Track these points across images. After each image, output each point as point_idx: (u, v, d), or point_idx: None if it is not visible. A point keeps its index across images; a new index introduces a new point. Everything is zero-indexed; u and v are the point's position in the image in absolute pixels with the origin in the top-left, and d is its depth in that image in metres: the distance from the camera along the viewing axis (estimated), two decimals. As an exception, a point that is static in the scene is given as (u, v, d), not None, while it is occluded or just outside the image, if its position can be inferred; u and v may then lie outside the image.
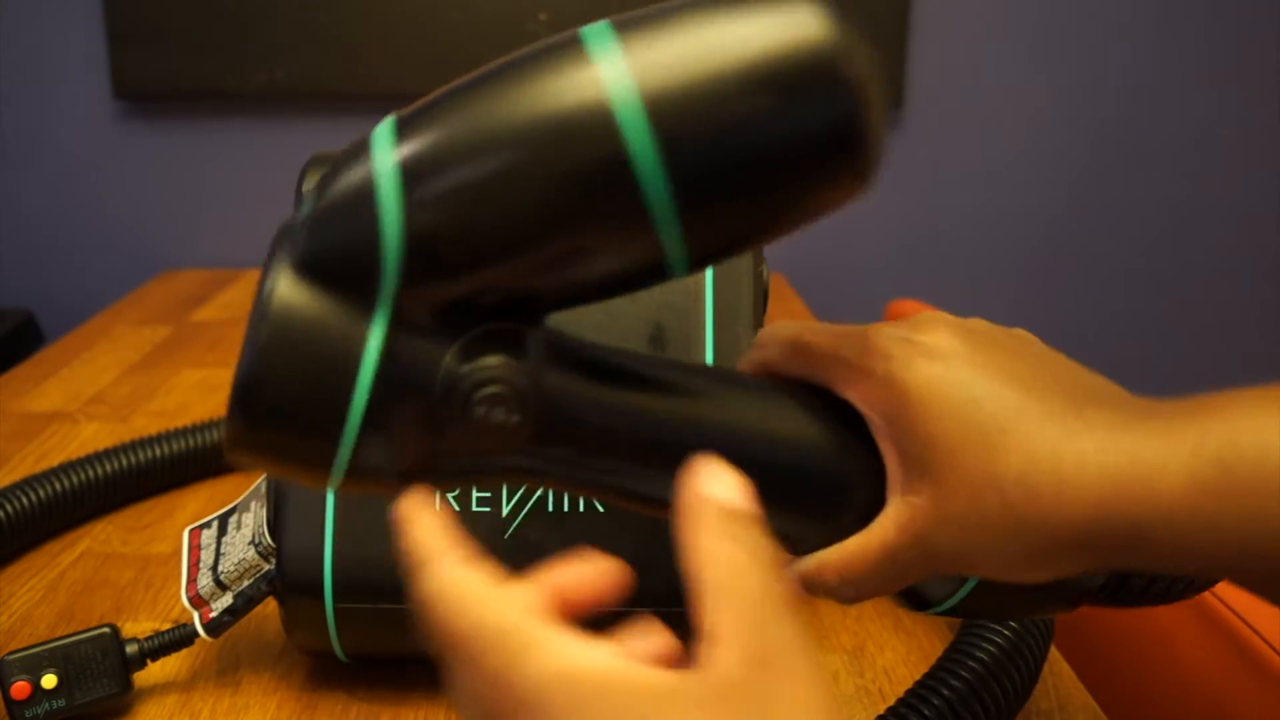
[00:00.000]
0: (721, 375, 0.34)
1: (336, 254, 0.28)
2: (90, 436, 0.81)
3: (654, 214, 0.26)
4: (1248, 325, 1.54)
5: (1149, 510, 0.29)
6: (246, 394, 0.27)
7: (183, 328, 1.11)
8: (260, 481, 0.52)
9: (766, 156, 0.27)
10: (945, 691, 0.42)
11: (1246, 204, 1.49)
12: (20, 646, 0.47)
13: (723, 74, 0.26)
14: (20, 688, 0.46)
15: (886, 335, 0.33)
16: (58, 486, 0.65)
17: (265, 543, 0.47)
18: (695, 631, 0.25)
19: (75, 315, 1.25)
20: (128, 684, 0.48)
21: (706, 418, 0.32)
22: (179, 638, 0.48)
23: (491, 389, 0.28)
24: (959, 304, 1.49)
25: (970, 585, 0.34)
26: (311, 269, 0.28)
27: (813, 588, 0.34)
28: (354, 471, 0.29)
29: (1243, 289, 1.53)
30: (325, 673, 0.52)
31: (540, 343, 0.29)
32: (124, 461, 0.69)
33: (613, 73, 0.26)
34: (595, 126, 0.26)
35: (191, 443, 0.72)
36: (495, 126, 0.27)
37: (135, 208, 1.44)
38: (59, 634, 0.48)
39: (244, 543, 0.49)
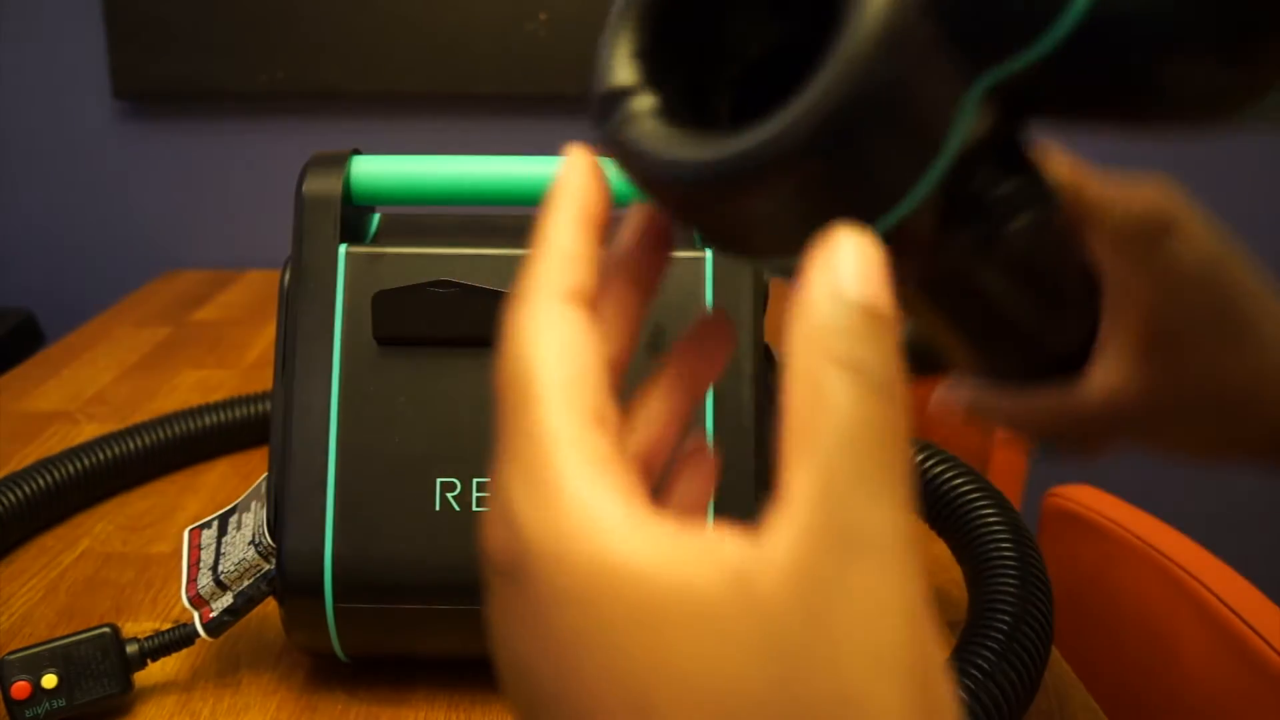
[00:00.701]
0: None
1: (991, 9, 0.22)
2: (90, 436, 0.81)
3: None
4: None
5: None
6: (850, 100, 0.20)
7: (183, 328, 1.11)
8: (260, 482, 0.52)
9: None
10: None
11: (1248, 203, 1.49)
12: (20, 646, 0.47)
13: None
14: (20, 687, 0.46)
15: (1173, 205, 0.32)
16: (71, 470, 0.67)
17: (265, 543, 0.47)
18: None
19: (75, 315, 1.25)
20: (128, 684, 0.48)
21: None
22: (179, 638, 0.48)
23: (1025, 217, 0.25)
24: (959, 304, 1.48)
25: None
26: (943, 13, 0.21)
27: (983, 414, 0.34)
28: (891, 237, 0.22)
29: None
30: (325, 673, 0.52)
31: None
32: (133, 444, 0.71)
33: None
34: None
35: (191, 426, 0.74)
36: None
37: (135, 207, 1.44)
38: (59, 634, 0.48)
39: (244, 543, 0.49)
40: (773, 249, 0.23)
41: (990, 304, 0.30)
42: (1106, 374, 0.33)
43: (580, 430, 0.19)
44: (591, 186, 0.23)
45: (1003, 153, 0.25)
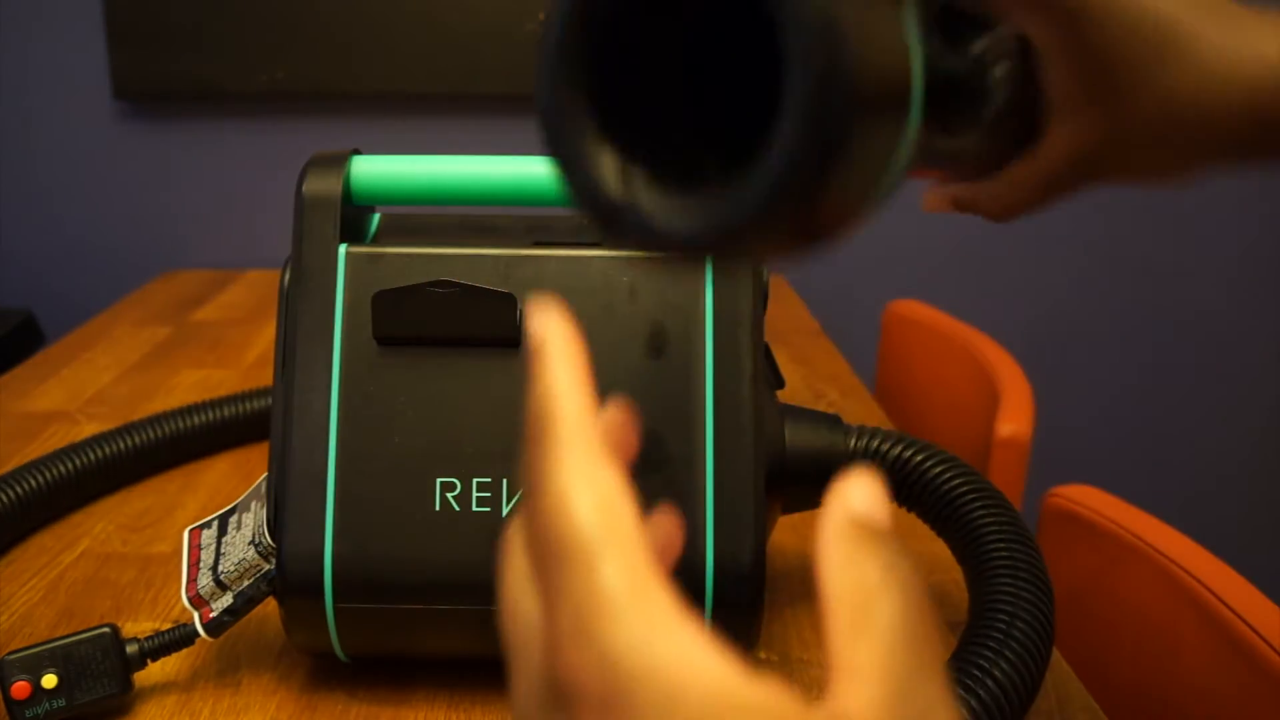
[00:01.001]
0: None
1: None
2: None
3: None
4: (1250, 324, 1.54)
5: None
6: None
7: (183, 328, 1.11)
8: (260, 482, 0.52)
9: None
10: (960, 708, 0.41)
11: (1249, 202, 1.49)
12: (20, 646, 0.47)
13: None
14: (20, 687, 0.46)
15: None
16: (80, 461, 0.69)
17: (265, 543, 0.47)
18: (828, 660, 0.21)
19: (75, 315, 1.25)
20: (128, 684, 0.48)
21: None
22: (179, 638, 0.48)
23: (999, 69, 0.28)
24: (959, 304, 1.50)
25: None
26: None
27: (964, 206, 0.39)
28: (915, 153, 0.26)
29: (1245, 287, 1.53)
30: (325, 673, 0.52)
31: None
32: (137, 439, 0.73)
33: None
34: None
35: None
36: None
37: (135, 208, 1.44)
38: (59, 634, 0.48)
39: (244, 543, 0.49)
40: (787, 252, 0.26)
41: (976, 139, 0.36)
42: (1062, 129, 0.36)
43: (651, 584, 0.21)
44: (574, 339, 0.25)
45: (951, 34, 0.27)
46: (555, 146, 0.26)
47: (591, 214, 0.26)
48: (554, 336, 0.24)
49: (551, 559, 0.21)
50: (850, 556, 0.21)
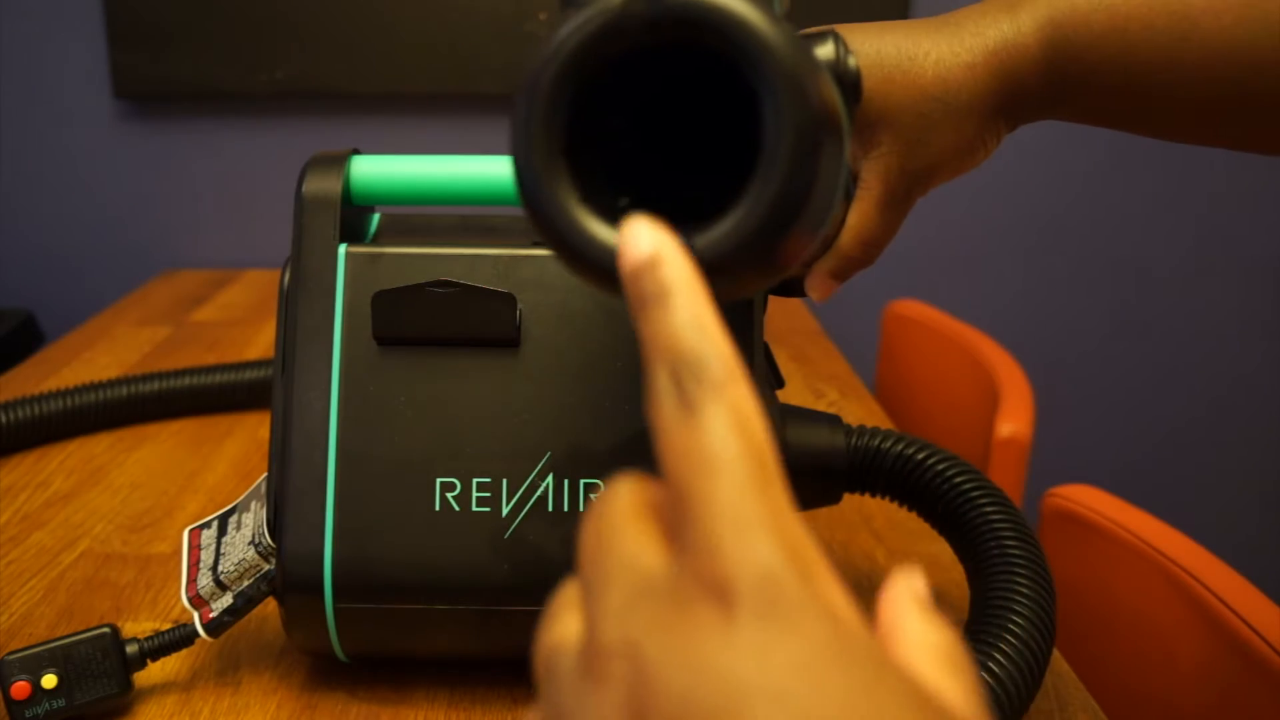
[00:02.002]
0: None
1: None
2: (90, 436, 0.81)
3: None
4: (1250, 324, 1.54)
5: (1025, 65, 0.43)
6: None
7: (183, 328, 1.11)
8: (260, 482, 0.52)
9: None
10: None
11: (1249, 201, 1.49)
12: (20, 646, 0.47)
13: None
14: (20, 688, 0.46)
15: None
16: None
17: (265, 543, 0.47)
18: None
19: (75, 315, 1.25)
20: (128, 684, 0.48)
21: None
22: (179, 638, 0.48)
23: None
24: (959, 304, 1.49)
25: None
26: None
27: (844, 272, 0.46)
28: None
29: (1245, 285, 1.53)
30: (325, 673, 0.52)
31: None
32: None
33: None
34: None
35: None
36: None
37: (135, 208, 1.44)
38: (59, 634, 0.48)
39: (244, 543, 0.49)
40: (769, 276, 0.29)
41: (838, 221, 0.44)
42: (873, 168, 0.45)
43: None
44: (691, 265, 0.23)
45: None
46: (549, 223, 0.28)
47: (597, 276, 0.28)
48: (676, 268, 0.22)
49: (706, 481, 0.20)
50: (931, 620, 0.22)
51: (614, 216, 0.28)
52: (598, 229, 0.27)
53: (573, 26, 0.27)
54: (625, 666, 0.19)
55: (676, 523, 0.20)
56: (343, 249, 0.49)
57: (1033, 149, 1.46)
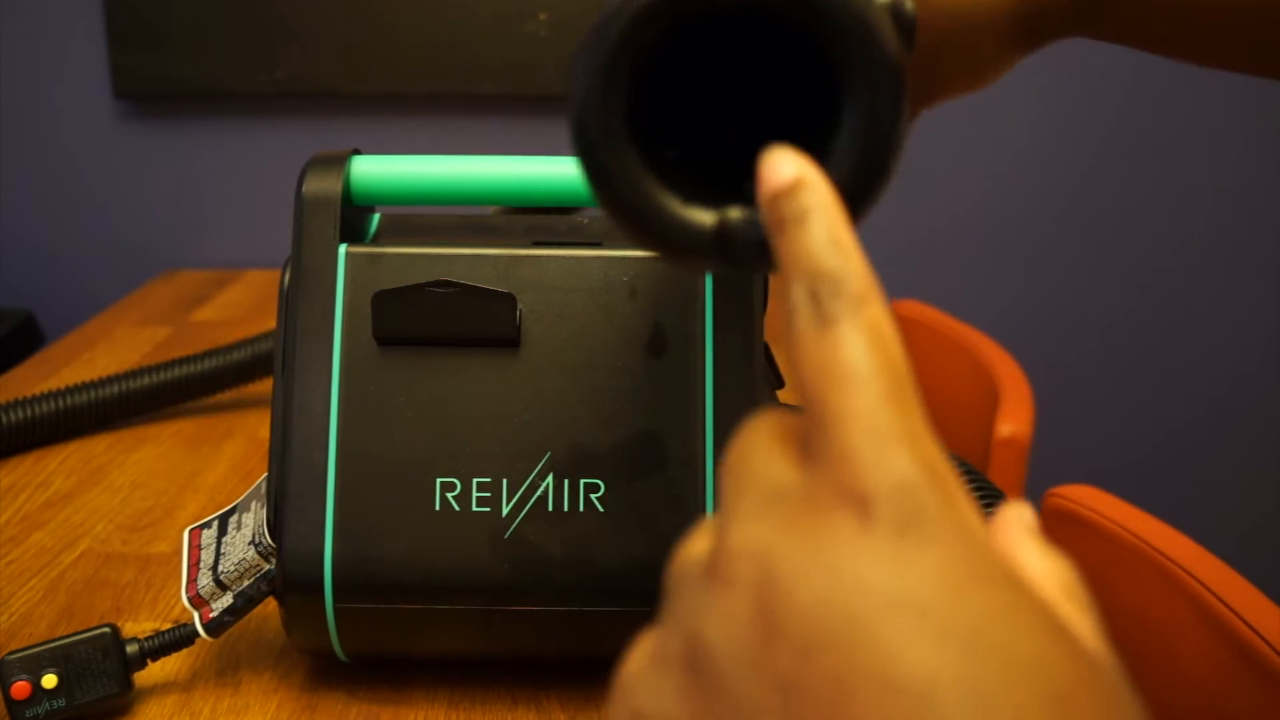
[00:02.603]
0: None
1: None
2: (90, 436, 0.81)
3: None
4: (1250, 324, 1.54)
5: None
6: None
7: (183, 328, 1.11)
8: (260, 482, 0.52)
9: None
10: None
11: (1248, 201, 1.49)
12: (20, 646, 0.47)
13: None
14: (20, 687, 0.46)
15: None
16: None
17: (265, 543, 0.47)
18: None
19: (75, 315, 1.25)
20: (128, 684, 0.48)
21: None
22: (179, 638, 0.48)
23: None
24: (959, 304, 1.49)
25: None
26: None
27: None
28: None
29: (1245, 285, 1.53)
30: (325, 673, 0.52)
31: None
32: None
33: None
34: None
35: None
36: None
37: (135, 208, 1.44)
38: (59, 634, 0.48)
39: (244, 543, 0.49)
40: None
41: None
42: None
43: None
44: (831, 189, 0.23)
45: None
46: (637, 215, 0.28)
47: (706, 256, 0.28)
48: (819, 190, 0.22)
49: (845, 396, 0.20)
50: (1049, 551, 0.21)
51: (663, 169, 0.28)
52: (674, 207, 0.27)
53: None
54: (754, 568, 0.19)
55: (811, 438, 0.20)
56: (343, 249, 0.49)
57: (1034, 148, 1.46)
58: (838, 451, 0.19)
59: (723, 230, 0.28)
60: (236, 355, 0.83)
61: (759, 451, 0.21)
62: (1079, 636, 0.18)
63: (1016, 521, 0.22)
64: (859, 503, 0.18)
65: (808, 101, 0.28)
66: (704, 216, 0.28)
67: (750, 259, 0.28)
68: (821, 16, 0.26)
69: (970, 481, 0.51)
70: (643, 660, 0.21)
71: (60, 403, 0.79)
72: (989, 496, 0.51)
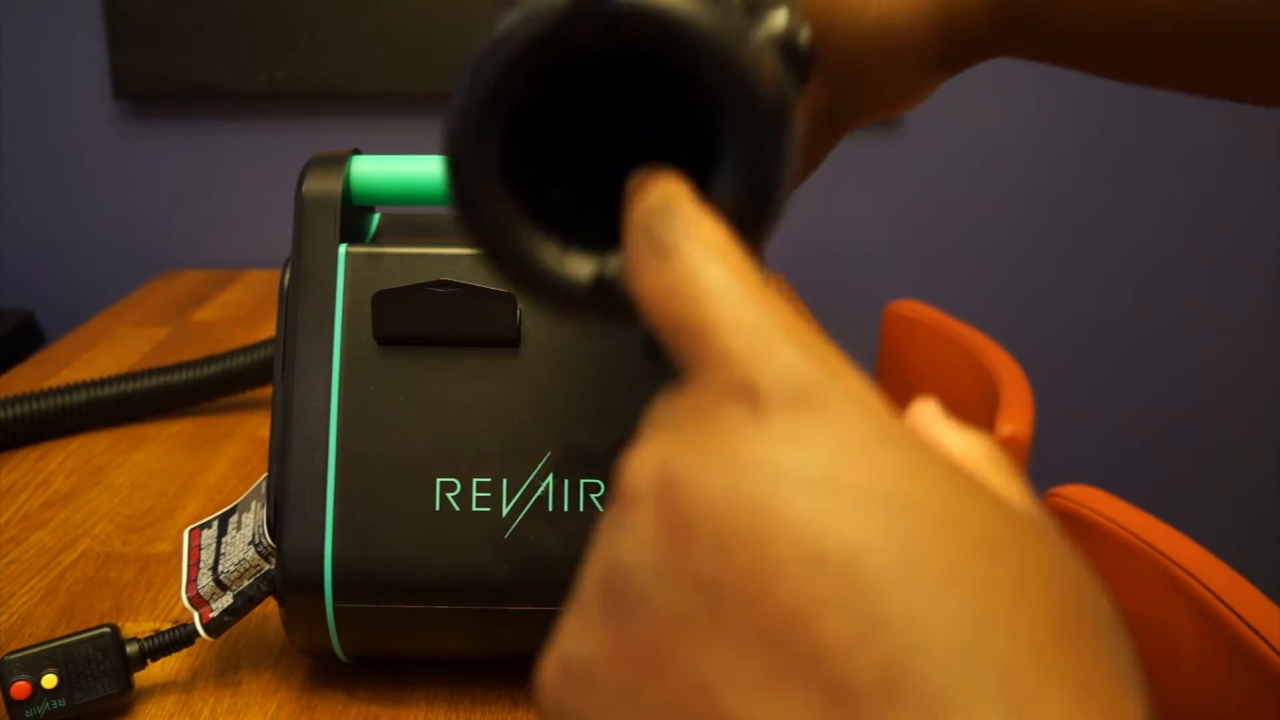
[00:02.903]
0: None
1: None
2: (90, 436, 0.81)
3: None
4: (1250, 323, 1.54)
5: (973, 8, 0.39)
6: None
7: (183, 328, 1.11)
8: (260, 482, 0.52)
9: None
10: None
11: (1248, 200, 1.49)
12: (20, 646, 0.47)
13: None
14: (20, 688, 0.46)
15: None
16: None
17: (265, 543, 0.47)
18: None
19: (75, 315, 1.25)
20: (128, 684, 0.48)
21: None
22: (179, 638, 0.48)
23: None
24: (959, 303, 1.49)
25: None
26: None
27: None
28: None
29: (1245, 283, 1.53)
30: (325, 673, 0.52)
31: None
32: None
33: None
34: None
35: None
36: None
37: (135, 208, 1.44)
38: (59, 634, 0.48)
39: (244, 543, 0.49)
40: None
41: None
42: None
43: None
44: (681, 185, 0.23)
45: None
46: (511, 267, 0.27)
47: (571, 306, 0.27)
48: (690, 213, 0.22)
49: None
50: (966, 430, 0.22)
51: (545, 213, 0.27)
52: (551, 258, 0.26)
53: (517, 21, 0.25)
54: (654, 480, 0.18)
55: (686, 363, 0.19)
56: (343, 249, 0.49)
57: (1031, 148, 1.46)
58: (716, 356, 0.19)
59: (601, 282, 0.26)
60: (238, 361, 0.83)
61: (656, 408, 0.21)
62: (1000, 494, 0.18)
63: (928, 412, 0.22)
64: (746, 394, 0.18)
65: (698, 139, 0.27)
66: (582, 267, 0.26)
67: (630, 311, 0.25)
68: (691, 58, 0.25)
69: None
70: (567, 611, 0.21)
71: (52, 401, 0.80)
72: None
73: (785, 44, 0.30)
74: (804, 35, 0.33)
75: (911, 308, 1.24)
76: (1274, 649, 0.54)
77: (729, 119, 0.25)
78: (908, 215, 1.48)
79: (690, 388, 0.19)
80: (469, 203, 0.26)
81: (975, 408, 1.02)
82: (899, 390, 1.24)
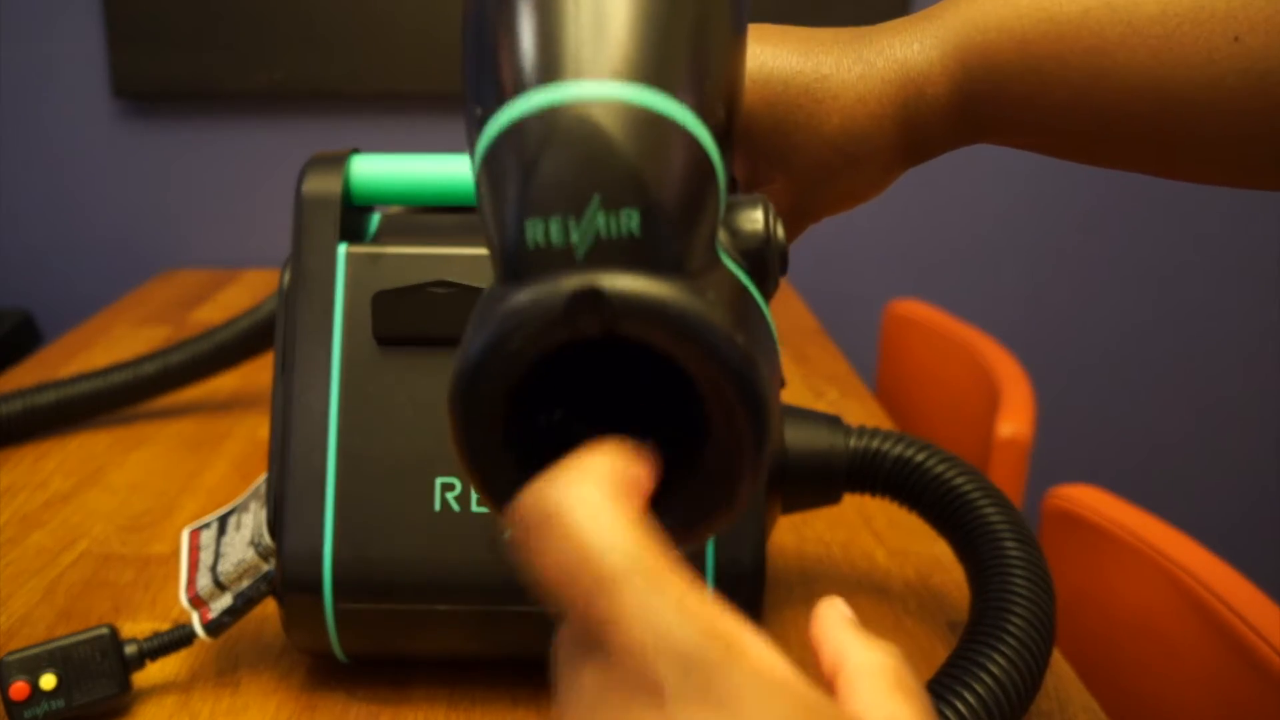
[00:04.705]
0: None
1: None
2: (89, 436, 0.81)
3: None
4: (1250, 323, 1.54)
5: (933, 109, 0.41)
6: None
7: (183, 328, 1.11)
8: (260, 482, 0.52)
9: None
10: (959, 703, 0.41)
11: (1249, 201, 1.49)
12: (19, 647, 0.47)
13: None
14: (19, 688, 0.46)
15: None
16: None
17: (265, 543, 0.47)
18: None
19: (75, 315, 1.25)
20: (127, 684, 0.48)
21: None
22: (178, 638, 0.48)
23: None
24: (959, 304, 1.49)
25: None
26: None
27: None
28: None
29: (1245, 286, 1.53)
30: (325, 673, 0.51)
31: None
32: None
33: None
34: None
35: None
36: None
37: (135, 208, 1.44)
38: (58, 634, 0.48)
39: (243, 543, 0.49)
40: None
41: None
42: None
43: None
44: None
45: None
46: (485, 484, 0.28)
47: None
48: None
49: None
50: (870, 644, 0.24)
51: (539, 433, 0.28)
52: (520, 487, 0.27)
53: (513, 323, 0.25)
54: None
55: (592, 640, 0.22)
56: (343, 249, 0.49)
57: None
58: (619, 648, 0.21)
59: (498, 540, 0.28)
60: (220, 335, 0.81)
61: (561, 651, 0.24)
62: None
63: (835, 616, 0.25)
64: (651, 689, 0.20)
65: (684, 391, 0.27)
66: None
67: None
68: (713, 392, 0.26)
69: (970, 481, 0.51)
70: None
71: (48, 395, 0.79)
72: (988, 498, 0.51)
73: (762, 241, 0.32)
74: (779, 233, 0.34)
75: (911, 308, 1.24)
76: (1274, 649, 0.54)
77: (721, 440, 0.27)
78: (908, 215, 1.48)
79: (599, 667, 0.21)
80: (463, 424, 0.27)
81: (975, 408, 1.02)
82: (899, 390, 1.24)
